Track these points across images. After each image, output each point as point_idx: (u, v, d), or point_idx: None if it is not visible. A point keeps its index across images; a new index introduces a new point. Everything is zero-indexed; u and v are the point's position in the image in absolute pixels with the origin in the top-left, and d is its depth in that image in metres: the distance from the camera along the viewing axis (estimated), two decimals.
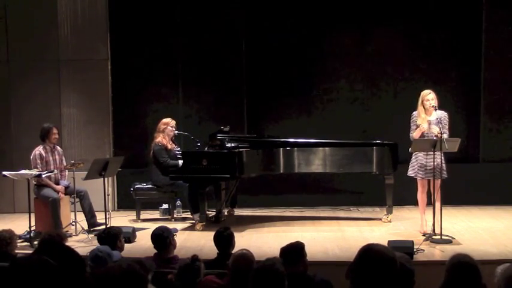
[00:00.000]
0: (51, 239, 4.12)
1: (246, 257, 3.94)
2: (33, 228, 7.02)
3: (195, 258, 4.09)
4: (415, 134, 6.93)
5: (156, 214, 8.52)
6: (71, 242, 6.59)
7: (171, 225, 6.18)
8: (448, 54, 9.31)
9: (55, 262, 2.83)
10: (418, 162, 7.00)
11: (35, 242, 6.37)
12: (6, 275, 2.76)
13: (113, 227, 5.93)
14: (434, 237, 6.58)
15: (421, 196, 7.10)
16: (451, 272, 3.43)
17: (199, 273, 4.07)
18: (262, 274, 3.37)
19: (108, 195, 7.31)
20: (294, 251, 4.24)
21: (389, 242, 5.84)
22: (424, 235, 6.76)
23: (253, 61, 9.40)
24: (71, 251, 3.62)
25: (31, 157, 7.47)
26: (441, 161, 6.76)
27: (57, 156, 7.64)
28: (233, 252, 4.45)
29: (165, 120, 8.19)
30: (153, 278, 3.67)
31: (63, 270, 2.90)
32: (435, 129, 6.78)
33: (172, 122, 8.19)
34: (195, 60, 9.41)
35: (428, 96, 6.92)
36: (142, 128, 9.36)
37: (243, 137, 8.37)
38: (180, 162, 7.83)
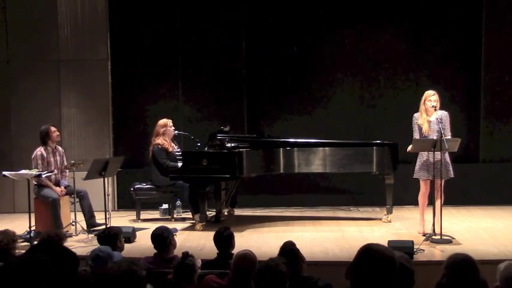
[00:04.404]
0: (49, 239, 4.13)
1: (248, 257, 3.95)
2: (33, 228, 7.01)
3: (185, 255, 4.10)
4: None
5: (156, 214, 8.52)
6: (70, 242, 6.61)
7: (171, 225, 6.19)
8: (448, 54, 9.30)
9: (49, 260, 2.84)
10: (422, 162, 6.97)
11: (35, 242, 6.36)
12: (1, 273, 2.77)
13: (112, 227, 5.93)
14: (434, 237, 6.58)
15: (422, 198, 7.07)
16: (449, 269, 3.44)
17: (194, 269, 4.07)
18: (266, 274, 3.38)
19: (108, 195, 7.31)
20: (289, 251, 4.25)
21: (389, 242, 5.85)
22: (424, 235, 6.76)
23: (253, 61, 9.40)
24: (66, 251, 3.63)
25: (32, 157, 7.47)
26: (445, 160, 6.74)
27: (58, 157, 7.64)
28: (235, 252, 4.45)
29: (162, 122, 8.14)
30: (150, 277, 3.67)
31: (55, 267, 2.90)
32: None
33: (170, 122, 8.16)
34: (195, 60, 9.40)
35: (431, 98, 6.89)
36: (142, 128, 9.36)
37: (243, 137, 8.37)
38: (180, 164, 7.82)
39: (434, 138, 6.77)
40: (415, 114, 7.03)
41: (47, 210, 7.32)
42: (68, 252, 3.62)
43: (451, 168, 6.89)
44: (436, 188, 6.74)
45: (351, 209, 8.93)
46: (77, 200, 7.52)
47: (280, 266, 3.43)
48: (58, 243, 4.01)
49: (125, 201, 8.98)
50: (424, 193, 7.05)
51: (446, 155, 6.81)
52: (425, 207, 7.09)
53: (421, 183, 7.06)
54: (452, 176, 6.90)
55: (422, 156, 6.97)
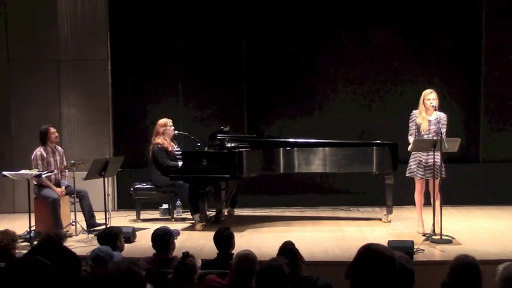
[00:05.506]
0: (49, 239, 4.12)
1: (249, 257, 3.97)
2: (33, 228, 7.02)
3: (186, 255, 4.11)
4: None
5: (156, 214, 8.52)
6: (70, 242, 6.61)
7: (171, 226, 6.19)
8: (448, 54, 9.30)
9: (51, 262, 2.82)
10: (417, 162, 6.99)
11: (35, 242, 6.35)
12: (2, 274, 2.76)
13: (112, 227, 5.93)
14: (434, 237, 6.58)
15: (419, 197, 7.08)
16: (453, 270, 3.44)
17: (194, 269, 4.08)
18: (268, 274, 3.38)
19: (108, 195, 7.31)
20: (288, 251, 4.25)
21: (389, 242, 5.84)
22: (424, 235, 6.76)
23: (254, 61, 9.39)
24: (67, 251, 3.62)
25: (32, 157, 7.47)
26: (440, 160, 6.76)
27: (58, 157, 7.64)
28: (235, 252, 4.45)
29: (162, 121, 8.14)
30: (150, 277, 3.67)
31: (58, 270, 2.89)
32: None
33: (170, 121, 8.17)
34: (195, 60, 9.40)
35: (430, 96, 6.92)
36: (142, 128, 9.36)
37: (243, 137, 8.37)
38: (180, 163, 7.82)
39: (431, 137, 6.80)
40: (414, 111, 7.04)
41: (47, 210, 7.32)
42: (69, 253, 3.61)
43: (443, 168, 6.90)
44: (435, 188, 6.73)
45: (351, 209, 8.92)
46: (77, 200, 7.52)
47: (283, 266, 3.44)
48: (58, 244, 4.00)
49: (125, 201, 8.98)
50: (420, 191, 7.06)
51: (440, 156, 6.81)
52: (422, 205, 7.10)
53: (417, 182, 7.06)
54: (445, 176, 6.91)
55: (418, 155, 6.97)
